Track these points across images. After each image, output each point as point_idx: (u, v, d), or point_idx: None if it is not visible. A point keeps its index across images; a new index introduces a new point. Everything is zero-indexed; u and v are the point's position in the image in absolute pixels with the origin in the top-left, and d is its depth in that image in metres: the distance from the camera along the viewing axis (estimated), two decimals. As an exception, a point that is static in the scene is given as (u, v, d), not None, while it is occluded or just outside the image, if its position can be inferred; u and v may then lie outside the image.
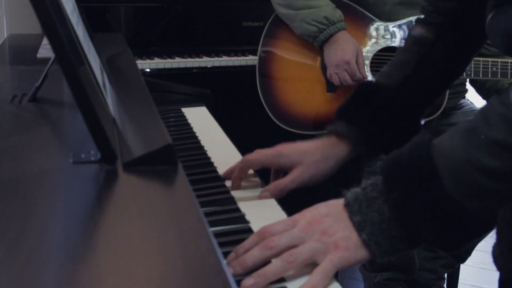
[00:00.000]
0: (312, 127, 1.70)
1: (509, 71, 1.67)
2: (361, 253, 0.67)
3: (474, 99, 2.01)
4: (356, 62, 1.65)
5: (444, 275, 1.93)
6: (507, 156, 0.63)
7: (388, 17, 1.71)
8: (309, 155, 0.93)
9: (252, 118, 1.92)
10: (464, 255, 1.89)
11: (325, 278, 0.64)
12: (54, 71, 0.96)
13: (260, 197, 0.89)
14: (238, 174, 0.93)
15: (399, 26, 1.71)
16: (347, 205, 0.69)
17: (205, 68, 2.02)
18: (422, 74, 0.98)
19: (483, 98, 1.94)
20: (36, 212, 0.57)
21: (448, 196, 0.65)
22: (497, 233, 0.94)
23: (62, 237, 0.52)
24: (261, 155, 0.93)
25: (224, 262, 0.50)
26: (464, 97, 1.90)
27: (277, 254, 0.66)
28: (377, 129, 0.96)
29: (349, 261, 0.66)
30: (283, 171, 0.96)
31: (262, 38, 1.77)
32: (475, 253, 1.92)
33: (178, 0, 2.09)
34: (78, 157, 0.69)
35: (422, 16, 1.01)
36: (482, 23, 0.87)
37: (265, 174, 0.98)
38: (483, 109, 0.68)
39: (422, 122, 1.76)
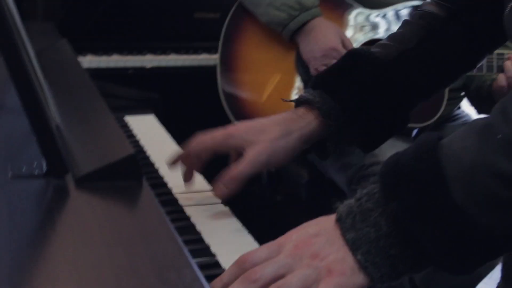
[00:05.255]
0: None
1: None
2: (359, 278, 0.67)
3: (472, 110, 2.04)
4: (343, 45, 1.67)
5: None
6: None
7: (372, 4, 1.75)
8: (266, 132, 0.93)
9: (210, 127, 1.92)
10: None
11: None
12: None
13: (215, 194, 0.90)
14: (185, 164, 0.94)
15: (388, 14, 1.75)
16: (339, 220, 0.69)
17: (149, 68, 2.03)
18: (424, 53, 0.98)
19: (472, 104, 1.95)
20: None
21: (456, 207, 0.65)
22: (504, 270, 0.96)
23: (8, 270, 0.51)
24: (207, 138, 0.94)
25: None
26: (459, 106, 1.95)
27: None
28: (356, 107, 0.95)
29: None
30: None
31: (224, 32, 1.77)
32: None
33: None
34: (18, 170, 0.68)
35: None
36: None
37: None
38: (501, 102, 0.68)
39: (414, 132, 1.80)
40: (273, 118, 0.95)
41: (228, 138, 0.93)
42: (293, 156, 0.94)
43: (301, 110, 0.95)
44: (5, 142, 0.79)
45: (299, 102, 0.96)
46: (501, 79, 1.67)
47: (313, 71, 1.68)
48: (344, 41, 1.67)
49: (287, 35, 1.68)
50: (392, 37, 1.01)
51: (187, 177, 0.95)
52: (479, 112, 1.94)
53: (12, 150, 0.76)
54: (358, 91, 0.95)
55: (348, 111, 0.94)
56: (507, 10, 0.82)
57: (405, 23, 1.02)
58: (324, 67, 1.64)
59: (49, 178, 0.68)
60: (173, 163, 0.98)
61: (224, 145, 0.93)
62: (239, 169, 0.90)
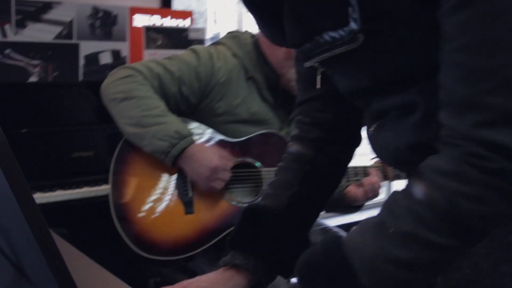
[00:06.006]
0: (174, 252, 1.85)
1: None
2: None
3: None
4: (223, 161, 1.86)
5: None
6: (416, 247, 0.76)
7: (231, 135, 1.99)
8: None
9: (115, 250, 2.01)
10: None
11: None
12: None
13: None
14: None
15: (245, 142, 1.99)
16: None
17: (42, 205, 2.12)
18: (308, 190, 1.12)
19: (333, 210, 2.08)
20: None
21: None
22: None
23: None
24: None
25: None
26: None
27: None
28: (273, 254, 1.07)
29: None
30: None
31: (113, 164, 1.90)
32: None
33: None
34: None
35: (296, 132, 1.16)
36: (357, 131, 1.10)
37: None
38: (387, 203, 0.83)
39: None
40: (213, 278, 1.06)
41: None
42: None
43: (231, 270, 1.07)
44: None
45: (226, 265, 1.08)
46: (358, 192, 1.95)
47: (205, 188, 1.86)
48: (222, 157, 1.87)
49: (170, 161, 1.83)
50: (275, 185, 1.15)
51: None
52: (327, 211, 2.17)
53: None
54: (270, 241, 1.08)
55: (268, 259, 1.07)
56: (370, 132, 0.98)
57: (281, 169, 1.16)
58: (215, 183, 1.81)
59: None
60: None
61: None
62: None
